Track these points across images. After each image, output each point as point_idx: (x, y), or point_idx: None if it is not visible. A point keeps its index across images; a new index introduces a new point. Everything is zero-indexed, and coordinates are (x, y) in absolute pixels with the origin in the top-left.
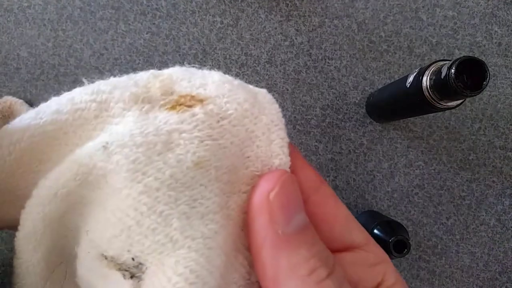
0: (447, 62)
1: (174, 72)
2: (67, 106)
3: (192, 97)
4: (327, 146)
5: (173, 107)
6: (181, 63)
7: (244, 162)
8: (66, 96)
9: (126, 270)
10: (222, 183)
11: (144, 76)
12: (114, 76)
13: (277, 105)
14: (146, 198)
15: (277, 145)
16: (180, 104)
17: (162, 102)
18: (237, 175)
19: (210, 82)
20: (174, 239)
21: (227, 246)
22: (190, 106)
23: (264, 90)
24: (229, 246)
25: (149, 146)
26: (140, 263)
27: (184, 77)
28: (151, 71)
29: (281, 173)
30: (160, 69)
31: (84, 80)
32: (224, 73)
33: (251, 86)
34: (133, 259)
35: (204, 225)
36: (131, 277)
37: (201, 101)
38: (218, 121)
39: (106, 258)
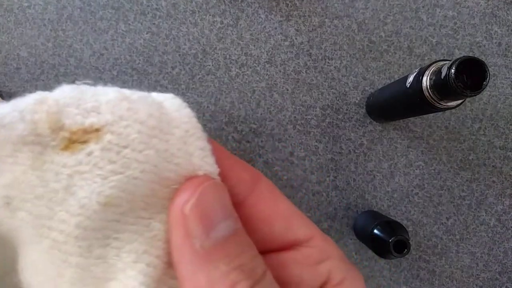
0: (447, 62)
1: (61, 97)
2: None
3: (85, 130)
4: (327, 146)
5: (66, 147)
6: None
7: (165, 183)
8: None
9: None
10: (140, 210)
11: (29, 105)
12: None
13: (188, 110)
14: (58, 252)
15: (198, 157)
16: (73, 142)
17: (53, 143)
18: (158, 197)
19: (104, 103)
20: (100, 280)
21: (153, 270)
22: (84, 142)
23: (170, 95)
24: (158, 270)
25: (50, 196)
26: None
27: (72, 101)
28: (35, 95)
29: (198, 181)
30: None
31: None
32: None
33: (154, 95)
34: None
35: (121, 260)
36: None
37: (96, 131)
38: (119, 152)
39: None
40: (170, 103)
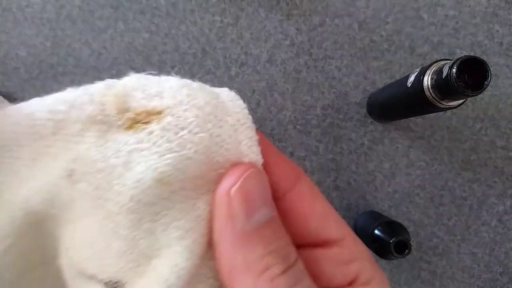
0: (448, 61)
1: (129, 82)
2: (24, 120)
3: (148, 112)
4: (327, 146)
5: (130, 127)
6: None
7: (213, 167)
8: (25, 109)
9: (107, 285)
10: (188, 190)
11: (99, 89)
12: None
13: (241, 102)
14: (110, 223)
15: (246, 145)
16: (137, 122)
17: (119, 123)
18: (205, 179)
19: (167, 88)
20: (145, 256)
21: (197, 247)
22: (147, 123)
23: (226, 89)
24: (200, 247)
25: (110, 171)
26: (118, 281)
27: (138, 87)
28: (106, 81)
29: (245, 168)
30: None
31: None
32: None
33: (211, 88)
34: (110, 278)
35: (169, 235)
36: None
37: (158, 114)
38: (177, 133)
39: (85, 275)
40: (226, 94)
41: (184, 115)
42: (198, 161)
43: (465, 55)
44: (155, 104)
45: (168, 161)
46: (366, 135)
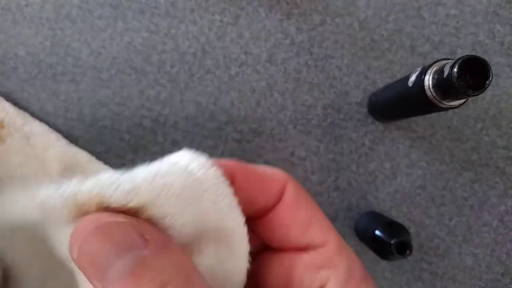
0: (449, 61)
1: (102, 181)
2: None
3: (127, 211)
4: (328, 146)
5: None
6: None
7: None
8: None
9: None
10: None
11: (72, 191)
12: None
13: (214, 169)
14: None
15: (226, 213)
16: None
17: None
18: None
19: (140, 183)
20: None
21: None
22: None
23: (193, 156)
24: None
25: None
26: None
27: (112, 184)
28: (77, 182)
29: (81, 228)
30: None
31: None
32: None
33: (178, 159)
34: None
35: None
36: None
37: (136, 210)
38: (158, 223)
39: None
40: (196, 166)
41: (163, 208)
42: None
43: (466, 55)
44: (131, 204)
45: None
46: (367, 135)
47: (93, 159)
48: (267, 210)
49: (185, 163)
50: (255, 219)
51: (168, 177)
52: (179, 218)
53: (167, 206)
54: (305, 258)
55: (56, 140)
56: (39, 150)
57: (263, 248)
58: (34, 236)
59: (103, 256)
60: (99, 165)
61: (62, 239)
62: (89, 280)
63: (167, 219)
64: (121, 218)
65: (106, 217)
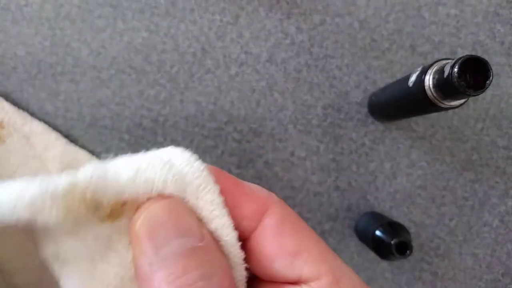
0: (450, 61)
1: (89, 174)
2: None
3: (114, 205)
4: (328, 146)
5: (103, 219)
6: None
7: None
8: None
9: None
10: None
11: (63, 187)
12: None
13: (198, 164)
14: None
15: (207, 211)
16: (109, 215)
17: (90, 217)
18: None
19: (125, 179)
20: None
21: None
22: (117, 216)
23: (177, 150)
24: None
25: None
26: None
27: (99, 178)
28: (67, 176)
29: (150, 201)
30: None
31: None
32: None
33: (162, 153)
34: None
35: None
36: None
37: (123, 205)
38: None
39: None
40: (180, 159)
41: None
42: None
43: (466, 55)
44: (119, 196)
45: None
46: (367, 135)
47: (93, 158)
48: (244, 234)
49: (168, 156)
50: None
51: (150, 172)
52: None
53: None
54: None
55: (55, 140)
56: (39, 150)
57: (252, 276)
58: (25, 239)
59: (165, 231)
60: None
61: (49, 242)
62: (135, 254)
63: None
64: (185, 205)
65: (178, 200)
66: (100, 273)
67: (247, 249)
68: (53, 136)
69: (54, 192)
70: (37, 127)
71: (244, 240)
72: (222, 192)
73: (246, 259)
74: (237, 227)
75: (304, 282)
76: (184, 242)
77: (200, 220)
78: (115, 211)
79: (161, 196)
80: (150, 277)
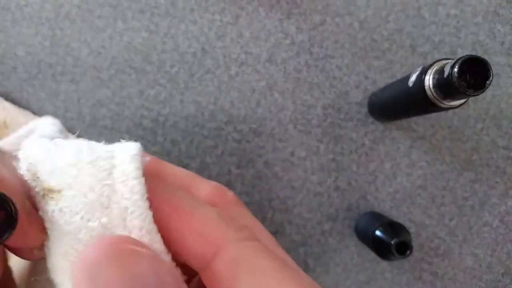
0: (450, 61)
1: (33, 153)
2: None
3: (47, 189)
4: (328, 146)
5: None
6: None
7: None
8: None
9: None
10: None
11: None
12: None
13: (134, 183)
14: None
15: (136, 236)
16: (44, 195)
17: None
18: None
19: (58, 168)
20: None
21: None
22: (51, 198)
23: (129, 155)
24: None
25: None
26: None
27: (40, 162)
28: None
29: (93, 250)
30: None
31: None
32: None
33: (115, 152)
34: None
35: None
36: None
37: (57, 192)
38: (72, 217)
39: None
40: (121, 172)
41: (74, 201)
42: None
43: (466, 55)
44: (50, 183)
45: (67, 247)
46: (367, 135)
47: None
48: (196, 267)
49: (116, 161)
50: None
51: (84, 171)
52: (89, 220)
53: (77, 200)
54: None
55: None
56: None
57: None
58: None
59: (105, 276)
60: None
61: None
62: None
63: (78, 217)
64: (144, 249)
65: (127, 242)
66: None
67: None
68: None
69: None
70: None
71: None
72: (166, 228)
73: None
74: (184, 266)
75: None
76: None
77: (163, 265)
78: (44, 192)
79: (102, 239)
80: None
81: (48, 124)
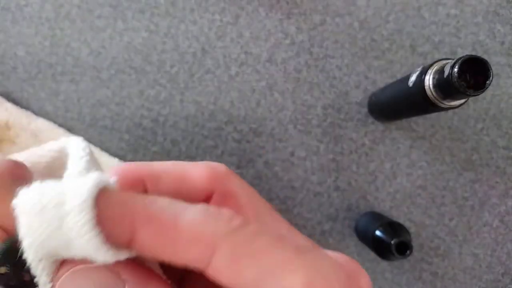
0: (450, 61)
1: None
2: None
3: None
4: (328, 146)
5: None
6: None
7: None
8: None
9: None
10: None
11: None
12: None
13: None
14: None
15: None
16: None
17: None
18: None
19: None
20: None
21: None
22: None
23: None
24: None
25: None
26: None
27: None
28: None
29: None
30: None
31: None
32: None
33: (72, 192)
34: None
35: None
36: None
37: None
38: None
39: None
40: (73, 192)
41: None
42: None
43: (466, 55)
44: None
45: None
46: (367, 135)
47: (104, 153)
48: (196, 270)
49: (67, 207)
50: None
51: (33, 217)
52: (37, 246)
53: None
54: None
55: (63, 136)
56: None
57: None
58: None
59: None
60: (111, 158)
61: None
62: None
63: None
64: (94, 264)
65: (80, 265)
66: None
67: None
68: (61, 132)
69: None
70: (42, 125)
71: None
72: (157, 248)
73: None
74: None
75: None
76: None
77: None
78: None
79: (62, 268)
80: None
81: (80, 149)
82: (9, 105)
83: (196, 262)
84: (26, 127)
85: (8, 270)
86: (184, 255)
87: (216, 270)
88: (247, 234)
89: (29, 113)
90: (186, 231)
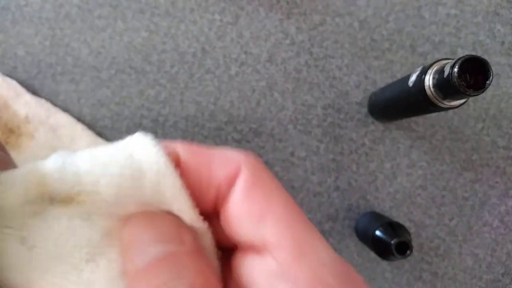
0: (450, 61)
1: (48, 166)
2: None
3: (68, 195)
4: (328, 146)
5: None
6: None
7: None
8: None
9: None
10: None
11: (22, 177)
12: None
13: (155, 151)
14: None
15: (169, 197)
16: (62, 202)
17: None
18: None
19: (83, 173)
20: None
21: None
22: (71, 203)
23: (137, 139)
24: None
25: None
26: None
27: (56, 170)
28: (27, 168)
29: (134, 215)
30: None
31: None
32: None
33: (126, 144)
34: None
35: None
36: None
37: (78, 195)
38: (100, 210)
39: None
40: (140, 152)
41: (100, 197)
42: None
43: (466, 55)
44: (74, 188)
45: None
46: (367, 135)
47: None
48: (221, 200)
49: (129, 149)
50: (215, 216)
51: (109, 168)
52: (124, 206)
53: (106, 196)
54: (261, 263)
55: (82, 131)
56: (67, 142)
57: (226, 250)
58: None
59: (140, 241)
60: None
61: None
62: (122, 261)
63: (108, 208)
64: (167, 213)
65: (154, 209)
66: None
67: (221, 216)
68: (80, 127)
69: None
70: (61, 119)
71: (220, 210)
72: (193, 166)
73: (221, 229)
74: (214, 197)
75: (268, 248)
76: (159, 248)
77: (183, 227)
78: (67, 198)
79: (138, 214)
80: (130, 282)
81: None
82: (28, 98)
83: (224, 183)
84: (45, 120)
85: None
86: (217, 176)
87: (232, 197)
88: (266, 174)
89: (48, 106)
90: (218, 156)
